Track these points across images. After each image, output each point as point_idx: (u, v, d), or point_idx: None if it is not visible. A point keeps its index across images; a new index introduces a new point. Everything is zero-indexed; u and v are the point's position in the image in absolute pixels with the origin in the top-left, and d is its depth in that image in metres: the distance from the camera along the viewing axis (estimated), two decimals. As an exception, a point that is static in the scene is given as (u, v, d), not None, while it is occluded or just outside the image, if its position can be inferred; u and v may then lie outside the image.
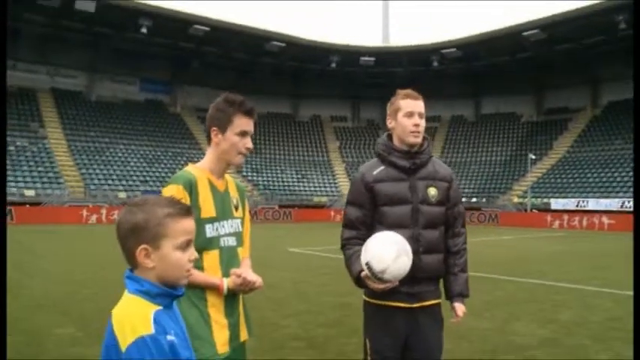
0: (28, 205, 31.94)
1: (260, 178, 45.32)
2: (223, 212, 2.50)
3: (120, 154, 41.03)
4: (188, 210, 1.65)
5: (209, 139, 2.54)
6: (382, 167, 2.88)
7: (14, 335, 5.84)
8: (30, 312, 7.36)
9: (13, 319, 6.63)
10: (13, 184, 33.34)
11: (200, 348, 2.29)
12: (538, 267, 13.53)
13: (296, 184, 46.53)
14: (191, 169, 2.51)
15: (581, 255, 17.31)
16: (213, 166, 2.54)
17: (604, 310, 8.04)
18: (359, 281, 2.71)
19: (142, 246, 1.57)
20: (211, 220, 2.44)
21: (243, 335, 2.54)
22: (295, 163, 49.34)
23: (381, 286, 2.61)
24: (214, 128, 2.49)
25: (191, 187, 2.39)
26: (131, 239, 1.58)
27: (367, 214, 2.84)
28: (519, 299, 9.00)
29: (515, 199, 41.30)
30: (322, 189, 45.98)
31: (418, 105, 2.89)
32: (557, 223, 34.56)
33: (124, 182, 37.66)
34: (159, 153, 42.51)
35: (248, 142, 2.52)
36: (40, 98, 42.49)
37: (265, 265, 12.86)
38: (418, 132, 2.85)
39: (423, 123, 2.88)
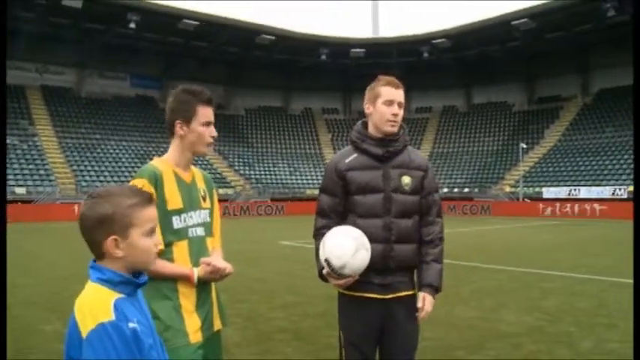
0: (19, 203, 31.80)
1: (252, 172, 45.27)
2: (190, 203, 2.52)
3: (111, 151, 40.87)
4: (150, 198, 1.70)
5: (171, 132, 2.56)
6: (355, 155, 2.84)
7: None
8: (18, 309, 7.33)
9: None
10: (3, 182, 33.21)
11: (172, 338, 2.32)
12: (528, 255, 13.60)
13: (288, 177, 46.51)
14: (156, 162, 2.54)
15: (571, 243, 17.42)
16: (179, 159, 2.56)
17: (590, 297, 8.10)
18: (322, 277, 2.73)
19: (112, 237, 1.60)
20: (178, 212, 2.46)
21: (217, 325, 2.56)
22: (287, 156, 49.30)
23: (342, 281, 2.62)
24: (179, 121, 2.51)
25: (156, 181, 2.42)
26: (99, 231, 1.61)
27: (339, 203, 2.81)
28: (507, 288, 9.05)
29: (508, 189, 41.43)
30: (314, 182, 45.96)
31: (398, 94, 2.83)
32: (549, 211, 34.74)
33: (115, 178, 37.51)
34: (150, 149, 42.34)
35: (213, 131, 2.56)
36: (29, 96, 42.21)
37: (256, 259, 12.91)
38: (395, 121, 2.81)
39: (401, 113, 2.84)
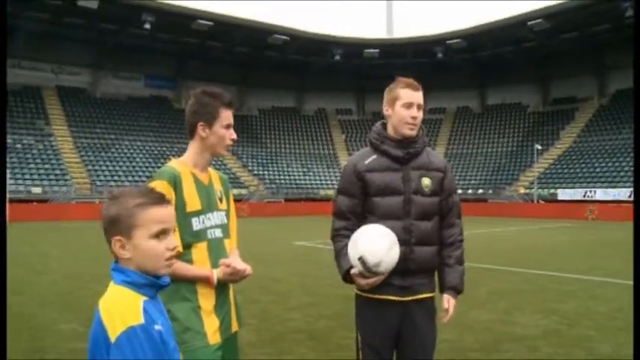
0: (35, 203, 32.10)
1: (266, 173, 45.36)
2: (209, 205, 2.52)
3: (125, 151, 41.18)
4: (161, 199, 1.65)
5: (191, 134, 2.56)
6: (374, 156, 2.81)
7: (18, 331, 5.87)
8: (35, 308, 7.40)
9: (18, 314, 6.67)
10: (20, 181, 33.54)
11: (191, 339, 2.32)
12: (543, 258, 13.48)
13: (302, 177, 46.54)
14: (174, 164, 2.53)
15: (587, 245, 17.23)
16: (197, 160, 2.56)
17: (608, 301, 7.99)
18: (346, 277, 2.70)
19: (116, 237, 1.59)
20: (197, 214, 2.46)
21: (235, 326, 2.56)
22: (301, 156, 49.34)
23: (372, 280, 2.59)
24: (202, 123, 2.51)
25: (175, 182, 2.42)
26: (108, 232, 1.61)
27: (358, 204, 2.78)
28: (523, 290, 8.96)
29: (522, 190, 41.14)
30: (328, 182, 45.96)
31: (418, 96, 2.79)
32: (564, 213, 34.38)
33: (130, 178, 37.79)
34: (164, 149, 42.60)
35: (233, 134, 2.58)
36: (45, 96, 42.65)
37: (271, 260, 12.89)
38: (415, 124, 2.78)
39: (420, 115, 2.81)
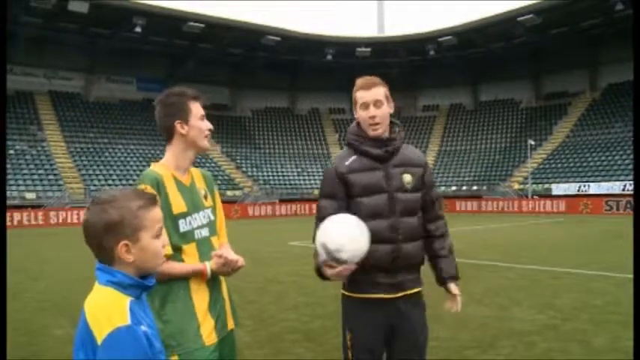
0: (29, 208, 31.95)
1: (260, 174, 45.28)
2: (194, 205, 2.52)
3: (119, 154, 41.02)
4: (155, 199, 1.68)
5: (170, 137, 2.55)
6: (354, 157, 2.80)
7: (14, 336, 5.84)
8: (31, 313, 7.37)
9: (14, 320, 6.64)
10: (14, 187, 33.38)
11: (187, 341, 2.31)
12: (539, 253, 13.51)
13: (296, 177, 46.49)
14: (155, 167, 2.53)
15: (582, 239, 17.30)
16: (179, 161, 2.56)
17: (604, 294, 8.02)
18: (319, 271, 2.62)
19: (123, 242, 1.58)
20: (183, 215, 2.46)
21: (230, 324, 2.55)
22: (295, 156, 49.29)
23: (338, 269, 2.47)
24: (178, 121, 2.52)
25: (158, 186, 2.42)
26: (108, 237, 1.58)
27: (342, 206, 2.73)
28: (519, 285, 8.98)
29: (516, 186, 41.25)
30: (323, 182, 45.82)
31: (372, 94, 2.75)
32: (558, 208, 34.50)
33: (124, 182, 37.62)
34: (158, 152, 42.41)
35: (209, 124, 2.62)
36: (37, 101, 42.45)
37: (266, 260, 12.89)
38: (376, 123, 2.74)
39: (380, 111, 2.74)
